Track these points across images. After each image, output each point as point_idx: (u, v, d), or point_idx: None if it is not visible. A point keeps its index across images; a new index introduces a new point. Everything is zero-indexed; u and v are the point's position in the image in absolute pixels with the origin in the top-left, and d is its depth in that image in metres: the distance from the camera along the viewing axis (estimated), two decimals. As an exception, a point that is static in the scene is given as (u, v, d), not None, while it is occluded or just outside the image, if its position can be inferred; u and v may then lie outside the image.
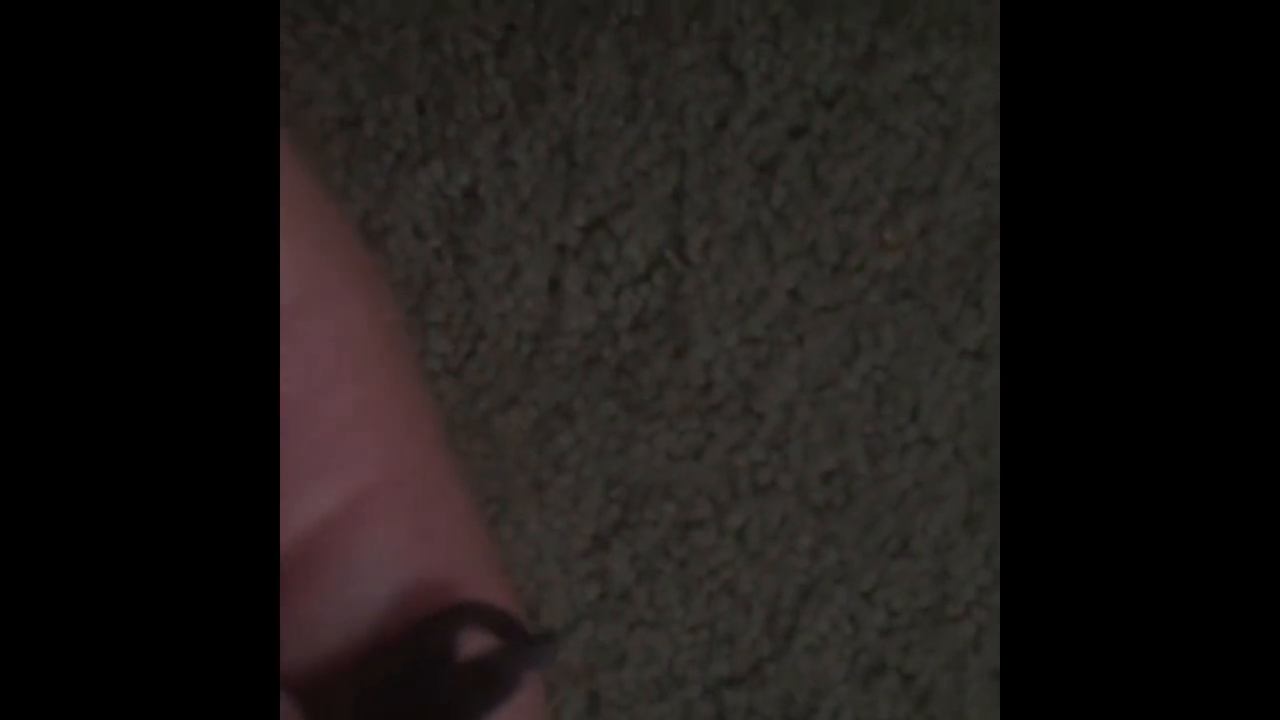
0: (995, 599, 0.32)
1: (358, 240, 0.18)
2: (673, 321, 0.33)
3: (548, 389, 0.33)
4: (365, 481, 0.17)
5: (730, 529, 0.33)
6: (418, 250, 0.34)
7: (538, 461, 0.33)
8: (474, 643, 0.17)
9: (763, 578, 0.33)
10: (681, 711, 0.33)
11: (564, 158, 0.33)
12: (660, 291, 0.33)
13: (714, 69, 0.33)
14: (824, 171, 0.33)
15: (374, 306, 0.18)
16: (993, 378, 0.33)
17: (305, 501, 0.17)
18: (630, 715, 0.33)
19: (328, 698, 0.17)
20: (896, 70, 0.33)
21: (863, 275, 0.33)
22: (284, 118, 0.16)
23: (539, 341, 0.33)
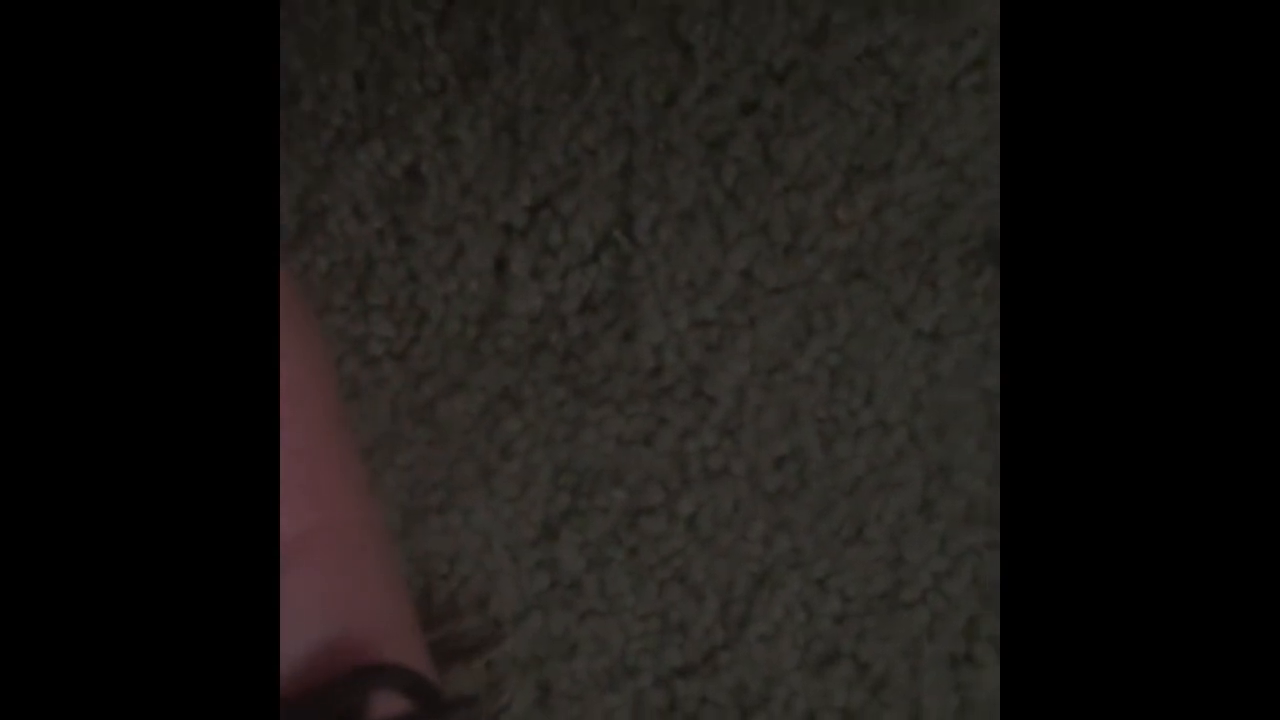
0: (951, 585, 0.32)
1: (286, 271, 0.18)
2: (621, 304, 0.32)
3: (494, 373, 0.32)
4: (290, 534, 0.17)
5: (681, 516, 0.32)
6: (358, 231, 0.33)
7: (485, 448, 0.32)
8: (388, 706, 0.17)
9: (715, 565, 0.32)
10: (633, 701, 0.32)
11: (508, 135, 0.32)
12: (608, 273, 0.32)
13: (662, 43, 0.32)
14: (776, 149, 0.32)
15: (304, 346, 0.18)
16: (948, 359, 0.32)
17: None
18: (582, 705, 0.32)
19: None
20: (849, 44, 0.32)
21: (816, 255, 0.32)
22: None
23: (484, 325, 0.32)
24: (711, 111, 0.32)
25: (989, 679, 0.32)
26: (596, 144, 0.32)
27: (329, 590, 0.17)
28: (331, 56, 0.32)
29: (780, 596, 0.32)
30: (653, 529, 0.32)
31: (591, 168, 0.32)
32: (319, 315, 0.32)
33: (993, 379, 0.32)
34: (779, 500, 0.32)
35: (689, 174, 0.32)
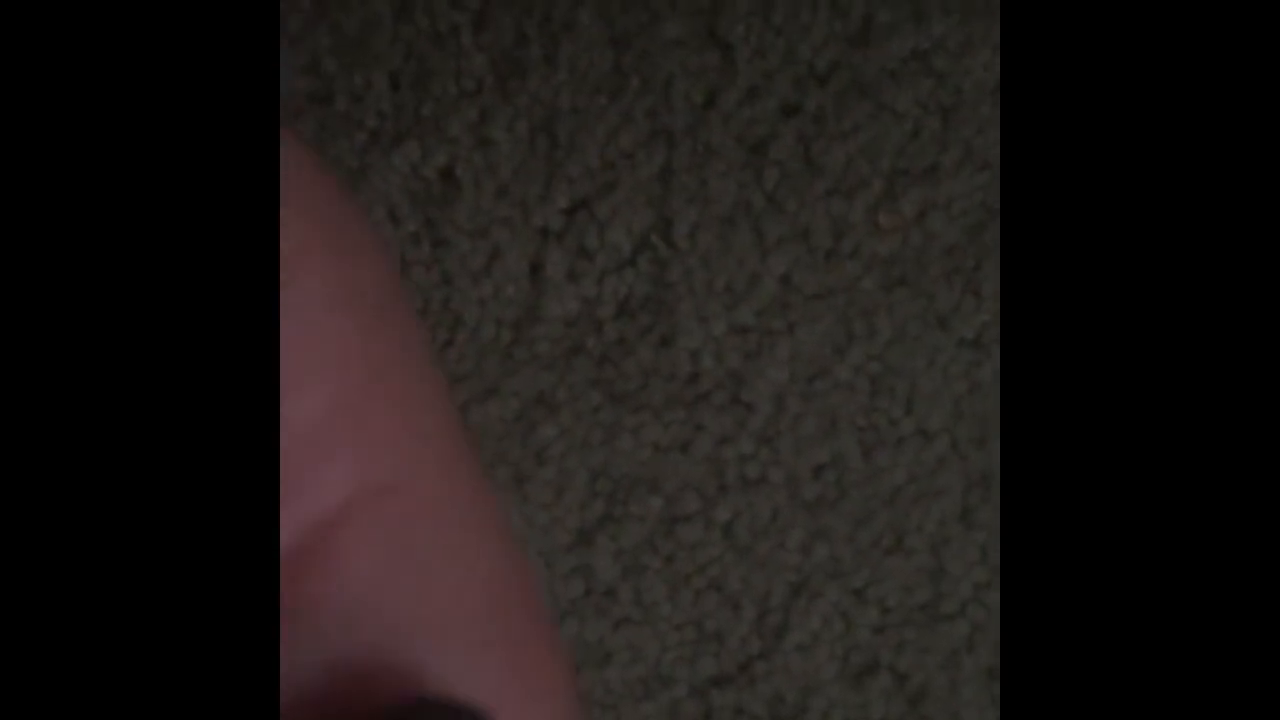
0: (992, 596, 0.31)
1: (327, 182, 0.15)
2: (659, 309, 0.32)
3: (529, 379, 0.32)
4: (332, 504, 0.14)
5: (718, 524, 0.32)
6: (393, 234, 0.32)
7: (519, 454, 0.32)
8: None
9: (752, 574, 0.32)
10: (668, 711, 0.32)
11: (545, 137, 0.32)
12: (646, 277, 0.32)
13: (702, 43, 0.32)
14: (817, 152, 0.32)
15: (349, 264, 0.14)
16: (991, 367, 0.31)
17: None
18: (616, 714, 0.32)
19: None
20: (894, 46, 0.31)
21: (857, 261, 0.32)
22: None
23: (519, 329, 0.32)
24: (752, 114, 0.32)
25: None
26: (634, 146, 0.32)
27: (379, 576, 0.14)
28: (366, 57, 0.32)
29: (818, 606, 0.32)
30: (689, 537, 0.32)
31: (629, 170, 0.32)
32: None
33: (1036, 388, 0.31)
34: (817, 509, 0.32)
35: (728, 177, 0.32)
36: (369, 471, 0.14)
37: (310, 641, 0.14)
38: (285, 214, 0.14)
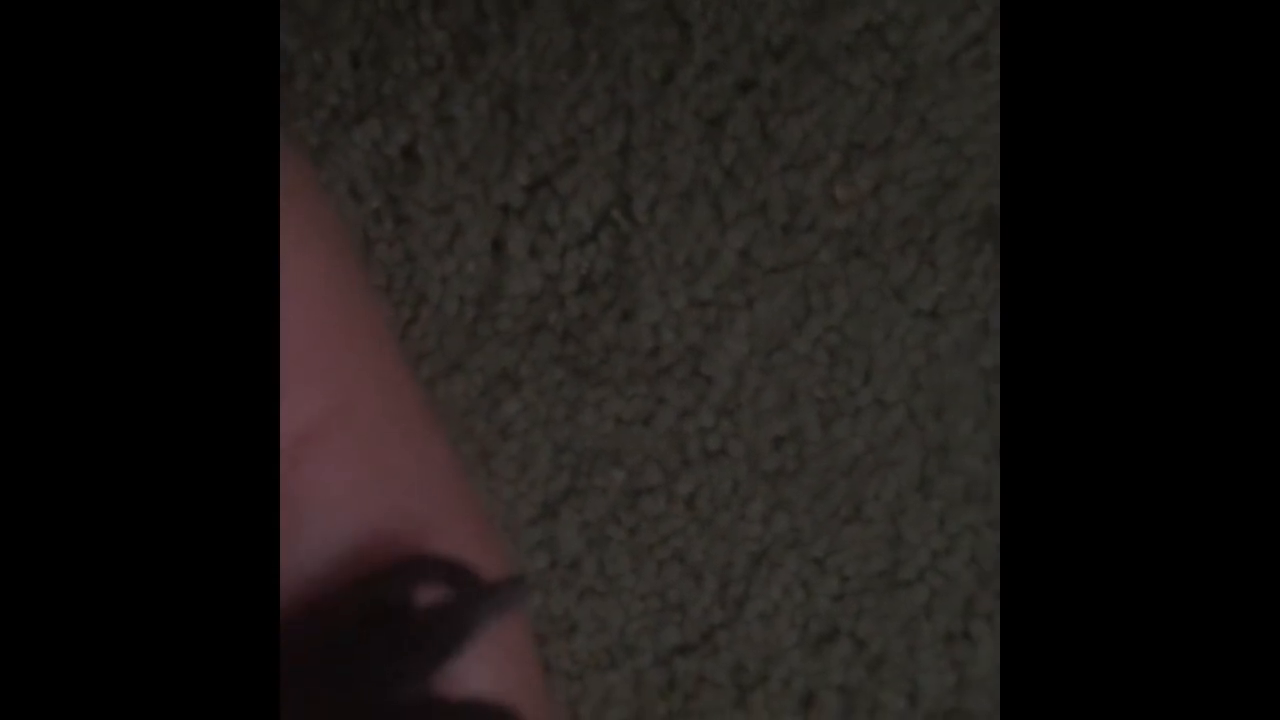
0: (948, 563, 0.32)
1: (297, 160, 0.17)
2: (620, 284, 0.32)
3: (492, 354, 0.32)
4: (314, 410, 0.16)
5: (680, 496, 0.32)
6: (355, 212, 0.32)
7: (484, 429, 0.32)
8: (430, 596, 0.16)
9: (714, 545, 0.32)
10: (633, 680, 0.32)
11: (506, 113, 0.32)
12: (607, 253, 0.32)
13: (660, 19, 0.32)
14: (774, 126, 0.32)
15: (309, 216, 0.16)
16: (947, 338, 0.32)
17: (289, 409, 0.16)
18: (582, 684, 0.32)
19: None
20: (848, 20, 0.32)
21: (814, 234, 0.32)
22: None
23: (482, 306, 0.32)
24: (709, 89, 0.32)
25: (985, 655, 0.32)
26: (594, 122, 0.32)
27: (352, 482, 0.16)
28: (326, 34, 0.32)
29: (778, 576, 0.32)
30: (652, 509, 0.32)
31: (589, 146, 0.32)
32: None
33: (991, 358, 0.32)
34: (777, 480, 0.32)
35: (687, 152, 0.32)
36: (341, 385, 0.16)
37: (296, 533, 0.16)
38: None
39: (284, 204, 0.16)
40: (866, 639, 0.32)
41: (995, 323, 0.32)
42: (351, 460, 0.16)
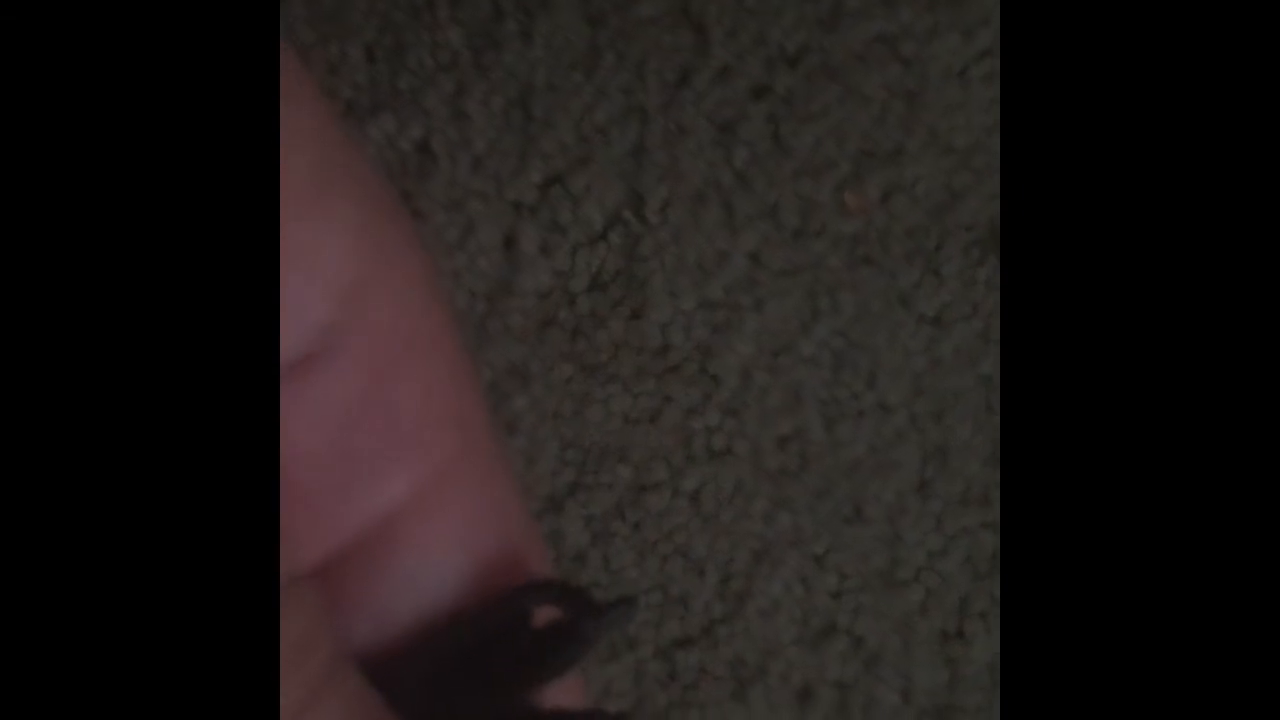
0: (944, 564, 0.33)
1: (403, 211, 0.18)
2: (630, 283, 0.33)
3: (502, 350, 0.33)
4: (436, 464, 0.17)
5: (685, 492, 0.33)
6: (368, 205, 0.33)
7: (492, 424, 0.33)
8: (545, 617, 0.17)
9: (716, 541, 0.33)
10: (634, 672, 0.33)
11: (520, 111, 0.32)
12: (618, 252, 0.33)
13: (676, 23, 0.32)
14: (786, 133, 0.32)
15: (428, 281, 0.18)
16: (949, 344, 0.33)
17: (380, 489, 0.17)
18: (584, 675, 0.33)
19: (399, 671, 0.17)
20: (862, 30, 0.32)
21: (823, 240, 0.32)
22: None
23: (493, 301, 0.33)
24: (723, 94, 0.32)
25: (979, 654, 0.33)
26: (608, 123, 0.32)
27: (477, 516, 0.18)
28: (341, 28, 0.32)
29: (779, 572, 0.33)
30: (656, 505, 0.33)
31: (603, 147, 0.32)
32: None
33: (991, 365, 0.32)
34: (780, 479, 0.33)
35: (699, 156, 0.32)
36: (456, 441, 0.18)
37: (426, 567, 0.17)
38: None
39: (384, 244, 0.16)
40: (864, 636, 0.33)
41: (995, 330, 0.32)
42: (470, 502, 0.17)
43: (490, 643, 0.17)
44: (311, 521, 0.17)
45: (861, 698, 0.33)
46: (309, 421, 0.16)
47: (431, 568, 0.17)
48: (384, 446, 0.17)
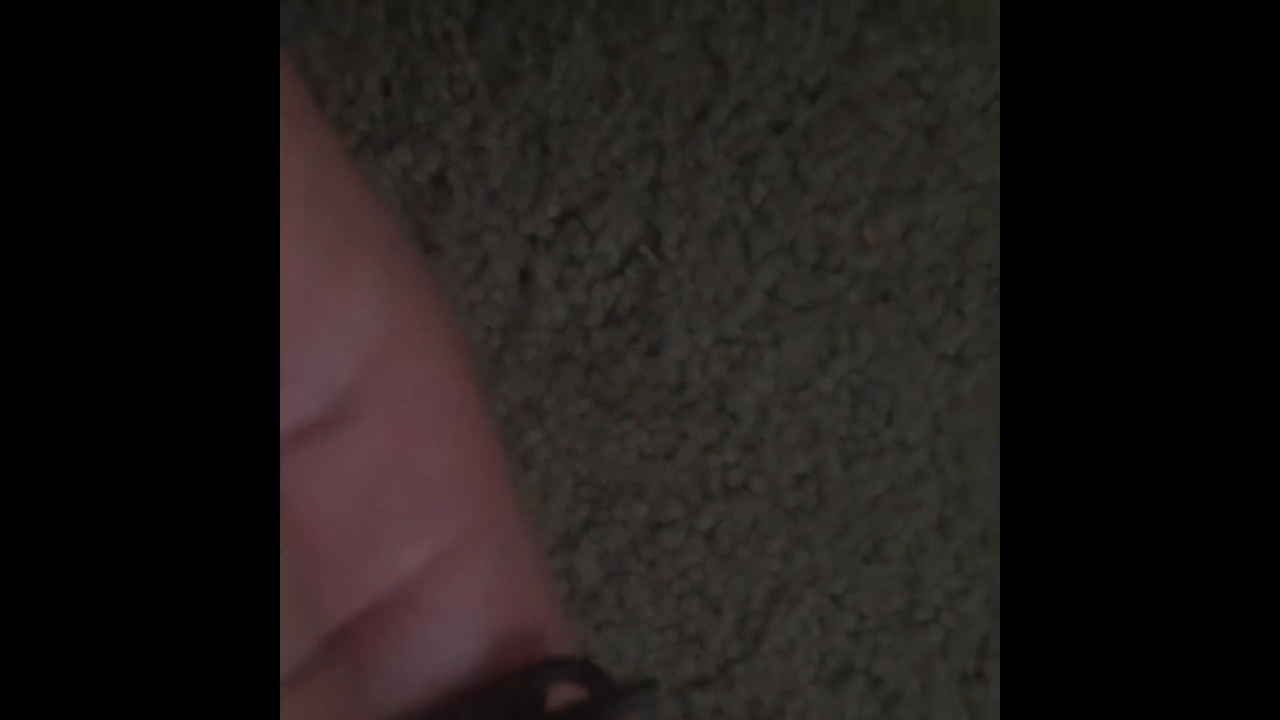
0: (964, 604, 0.32)
1: (429, 272, 0.18)
2: (647, 318, 0.32)
3: (517, 384, 0.32)
4: (458, 531, 0.17)
5: (701, 530, 0.32)
6: (383, 238, 0.32)
7: (506, 459, 0.32)
8: (563, 695, 0.17)
9: (732, 579, 0.32)
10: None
11: (537, 145, 0.32)
12: (634, 287, 0.32)
13: (695, 58, 0.32)
14: (805, 168, 0.32)
15: (455, 347, 0.18)
16: (970, 382, 0.32)
17: (402, 554, 0.17)
18: None
19: None
20: (883, 65, 0.32)
21: (842, 276, 0.32)
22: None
23: (508, 335, 0.32)
24: (742, 129, 0.32)
25: (998, 696, 0.32)
26: (625, 157, 0.32)
27: (496, 587, 0.17)
28: (358, 60, 0.32)
29: (796, 611, 0.32)
30: (672, 543, 0.32)
31: (620, 181, 0.32)
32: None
33: (1012, 402, 0.32)
34: (798, 517, 0.32)
35: (717, 191, 0.32)
36: (479, 509, 0.17)
37: (444, 634, 0.17)
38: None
39: (410, 306, 0.16)
40: (882, 676, 0.32)
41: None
42: (490, 571, 0.17)
43: (509, 716, 0.16)
44: (331, 585, 0.16)
45: (879, 740, 0.32)
46: (332, 482, 0.16)
47: (447, 636, 0.17)
48: (406, 511, 0.17)
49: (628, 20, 0.32)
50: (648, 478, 0.32)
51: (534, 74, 0.32)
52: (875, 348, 0.32)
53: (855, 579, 0.32)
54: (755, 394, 0.32)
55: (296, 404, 0.16)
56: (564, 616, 0.18)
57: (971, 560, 0.32)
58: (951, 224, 0.32)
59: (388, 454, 0.16)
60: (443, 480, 0.17)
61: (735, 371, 0.32)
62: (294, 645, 0.15)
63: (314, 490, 0.16)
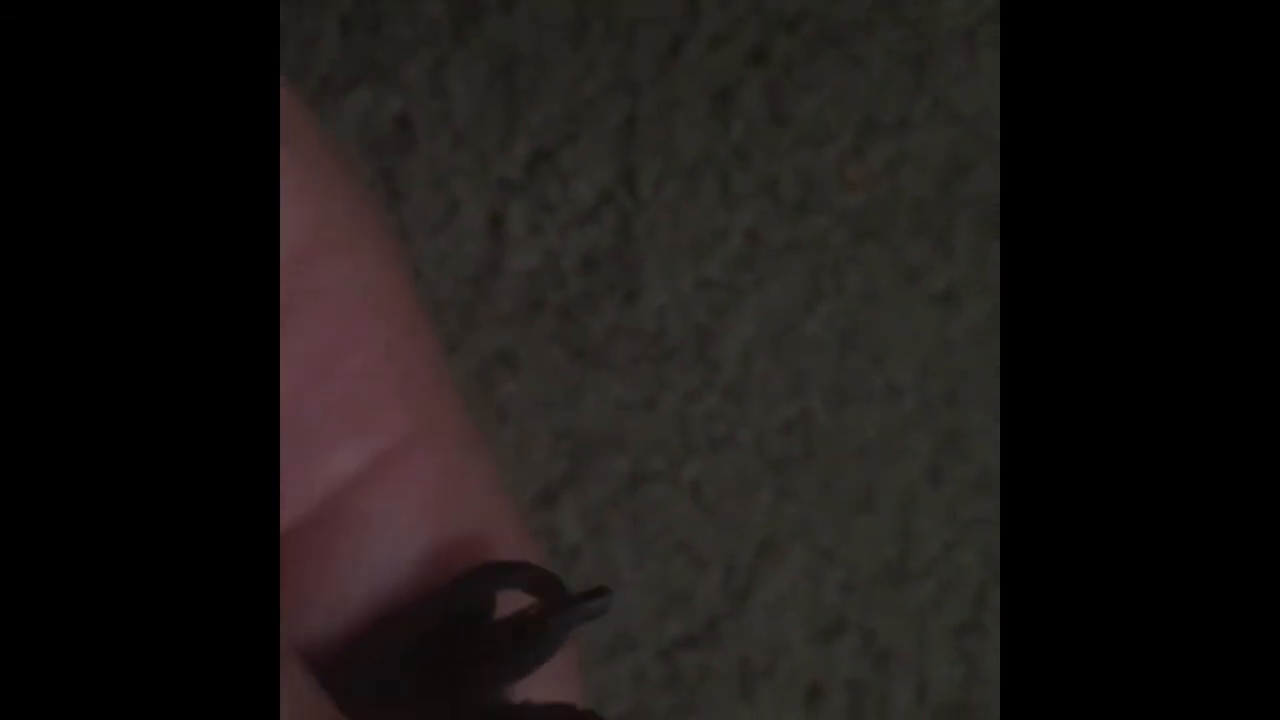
0: (959, 554, 0.31)
1: (357, 176, 0.17)
2: (623, 263, 0.31)
3: (490, 335, 0.31)
4: (392, 437, 0.17)
5: (685, 483, 0.31)
6: (345, 185, 0.31)
7: (480, 412, 0.31)
8: (510, 604, 0.16)
9: (719, 534, 0.31)
10: (634, 673, 0.31)
11: (504, 84, 0.31)
12: (610, 231, 0.31)
13: (667, -11, 0.31)
14: (784, 102, 0.31)
15: (383, 248, 0.17)
16: (960, 323, 0.31)
17: (331, 460, 0.16)
18: (583, 677, 0.31)
19: (350, 669, 0.16)
20: (863, -7, 0.31)
21: (825, 215, 0.31)
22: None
23: (479, 284, 0.31)
24: (718, 62, 0.31)
25: (995, 648, 0.31)
26: (597, 95, 0.31)
27: (435, 496, 0.17)
28: (316, 1, 0.31)
29: (785, 566, 0.31)
30: (655, 496, 0.31)
31: (592, 120, 0.31)
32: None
33: (1004, 343, 0.31)
34: (785, 468, 0.31)
35: (694, 128, 0.31)
36: (415, 414, 0.17)
37: (380, 543, 0.16)
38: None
39: (335, 208, 0.16)
40: (875, 631, 0.31)
41: (1008, 307, 0.31)
42: (429, 478, 0.16)
43: (449, 636, 0.15)
44: None
45: (874, 696, 0.31)
46: None
47: (384, 547, 0.16)
48: (335, 416, 0.16)
49: (596, -49, 0.31)
50: (628, 430, 0.31)
51: (499, 10, 0.31)
52: (862, 289, 0.31)
53: (845, 531, 0.31)
54: (738, 340, 0.31)
55: None
56: (523, 528, 0.17)
57: (965, 508, 0.31)
58: (937, 158, 0.31)
59: (313, 356, 0.15)
60: (374, 383, 0.16)
61: (716, 317, 0.31)
62: None
63: None
